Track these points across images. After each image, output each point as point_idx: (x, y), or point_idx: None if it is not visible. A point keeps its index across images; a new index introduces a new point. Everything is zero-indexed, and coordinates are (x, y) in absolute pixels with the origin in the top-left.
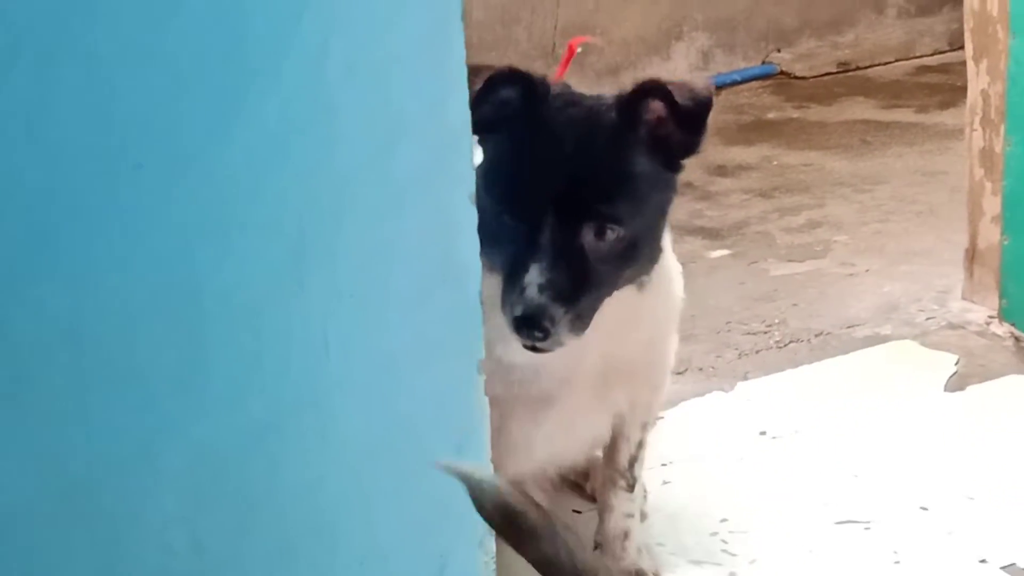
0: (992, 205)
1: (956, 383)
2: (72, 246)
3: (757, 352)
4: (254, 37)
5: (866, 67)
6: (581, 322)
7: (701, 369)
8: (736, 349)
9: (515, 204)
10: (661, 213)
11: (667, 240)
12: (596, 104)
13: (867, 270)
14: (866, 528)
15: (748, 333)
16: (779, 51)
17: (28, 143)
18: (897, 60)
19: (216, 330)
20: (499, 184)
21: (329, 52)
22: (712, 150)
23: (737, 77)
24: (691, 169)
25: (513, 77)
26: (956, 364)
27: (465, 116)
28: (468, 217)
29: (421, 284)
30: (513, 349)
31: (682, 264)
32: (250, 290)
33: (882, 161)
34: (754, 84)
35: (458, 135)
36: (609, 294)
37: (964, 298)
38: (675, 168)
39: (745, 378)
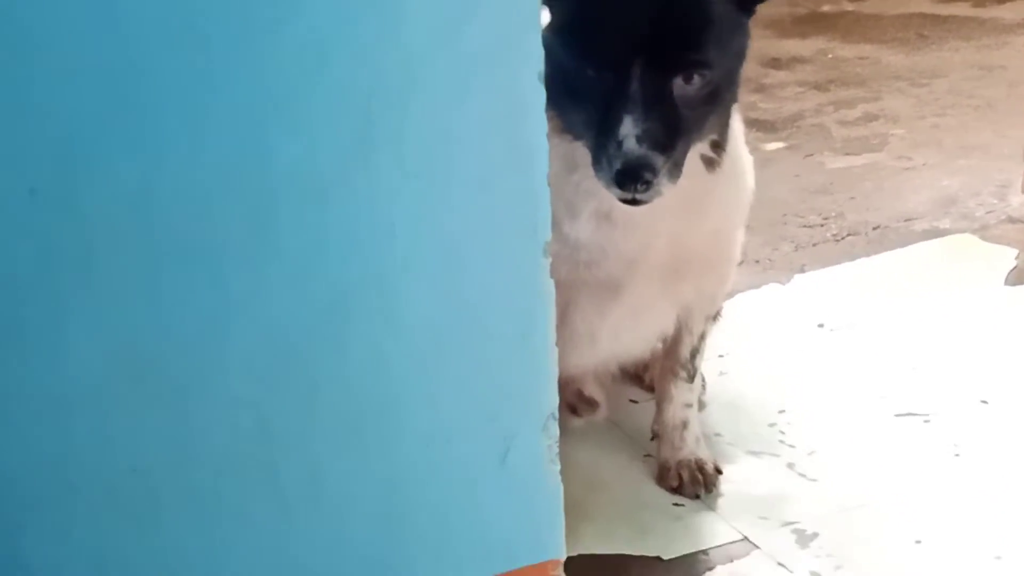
0: None
1: (1016, 276)
2: (142, 117)
3: (814, 245)
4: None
5: None
6: (677, 169)
7: (758, 261)
8: (792, 242)
9: (599, 55)
10: (740, 58)
11: (739, 128)
12: None
13: (924, 164)
14: (925, 421)
15: (804, 226)
16: None
17: (103, 10)
18: None
19: (284, 207)
20: (578, 36)
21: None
22: (766, 42)
23: None
24: (745, 62)
25: None
26: (1016, 258)
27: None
28: (536, 98)
29: (487, 166)
30: (581, 225)
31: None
32: (317, 168)
33: (939, 55)
34: None
35: (528, 11)
36: (697, 140)
37: (1023, 192)
38: (750, 11)
39: (802, 271)
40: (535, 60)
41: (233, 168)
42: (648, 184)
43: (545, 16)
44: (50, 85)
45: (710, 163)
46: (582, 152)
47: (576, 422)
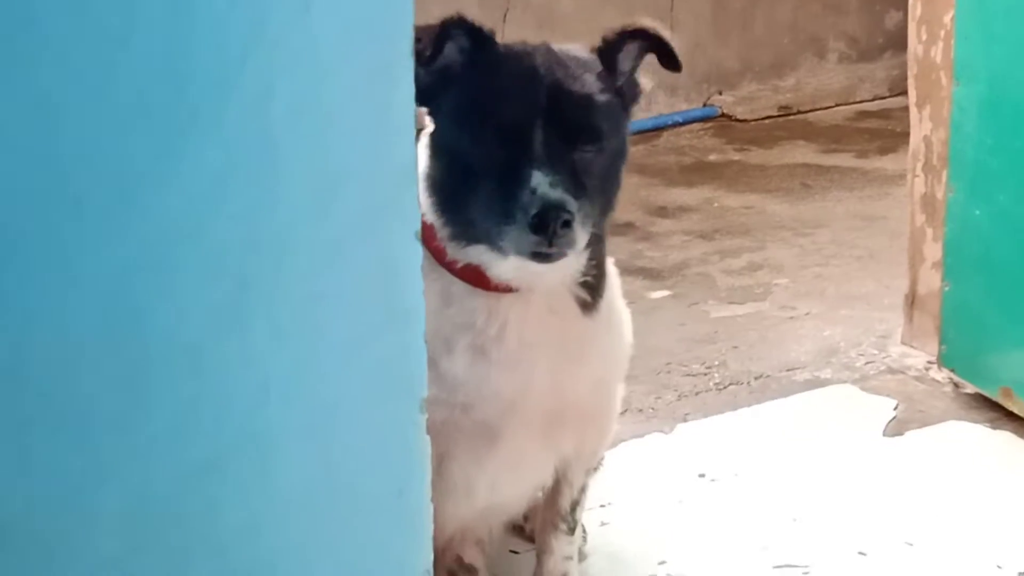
0: (933, 251)
1: (895, 428)
2: (12, 283)
3: (697, 394)
4: (198, 77)
5: (807, 111)
6: (588, 223)
7: (641, 410)
8: (676, 391)
9: (501, 124)
10: (624, 150)
11: (615, 279)
12: (561, 50)
13: (807, 313)
14: (804, 572)
15: (688, 375)
16: (720, 94)
17: None
18: (837, 105)
19: (156, 371)
20: (476, 114)
21: (274, 94)
22: (653, 191)
23: (679, 119)
24: (632, 209)
25: (463, 24)
26: (895, 409)
27: (412, 156)
28: (413, 257)
29: (363, 326)
30: (457, 360)
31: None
32: (191, 331)
33: (822, 205)
34: (695, 126)
35: (404, 174)
36: (591, 224)
37: (904, 343)
38: (628, 114)
39: (685, 420)
40: (412, 221)
41: (104, 331)
42: (568, 225)
43: (425, 133)
44: None
45: (585, 306)
46: (459, 286)
47: None
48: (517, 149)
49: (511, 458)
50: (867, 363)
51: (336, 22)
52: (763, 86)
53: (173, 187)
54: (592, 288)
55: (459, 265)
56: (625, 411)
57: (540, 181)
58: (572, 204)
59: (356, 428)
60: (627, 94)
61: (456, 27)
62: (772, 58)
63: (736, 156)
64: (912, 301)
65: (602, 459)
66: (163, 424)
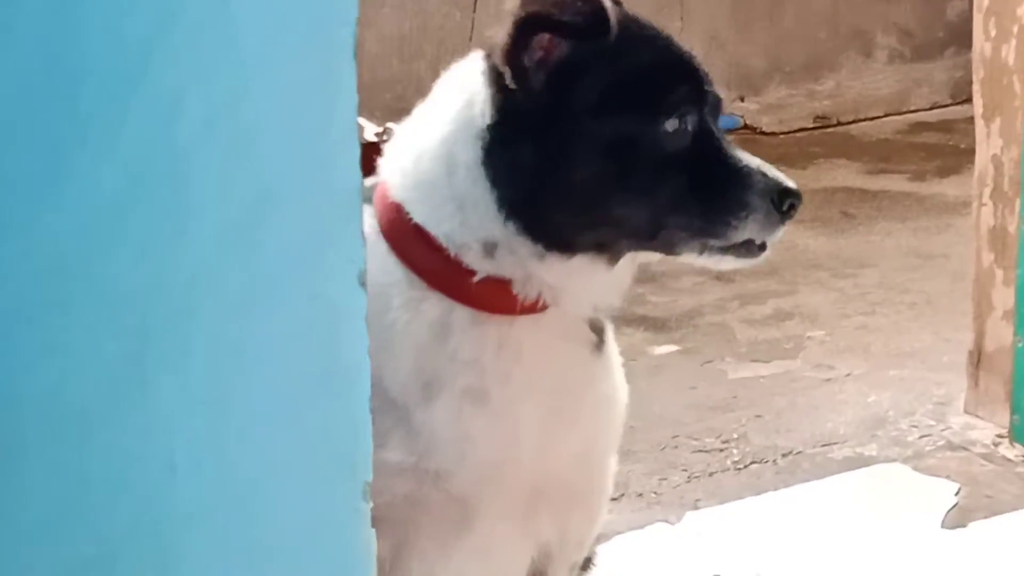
0: (1004, 298)
1: (957, 518)
2: None
3: (710, 475)
4: (90, 81)
5: (849, 122)
6: None
7: (641, 495)
8: (685, 470)
9: (687, 102)
10: None
11: (609, 332)
12: None
13: (848, 374)
14: None
15: (699, 450)
16: (743, 100)
17: None
18: (887, 115)
19: (34, 445)
20: (641, 92)
21: (184, 105)
22: None
23: None
24: None
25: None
26: (956, 494)
27: (356, 179)
28: (356, 304)
29: (293, 390)
30: (441, 408)
31: (621, 361)
32: (78, 396)
33: (867, 239)
34: None
35: (347, 202)
36: None
37: (967, 412)
38: None
39: (695, 507)
40: (354, 256)
41: None
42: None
43: (464, 145)
44: None
45: (596, 346)
46: (459, 314)
47: None
48: (698, 128)
49: (484, 547)
50: (922, 437)
51: (263, 14)
52: (795, 91)
53: (58, 216)
54: (598, 329)
55: (477, 279)
56: (621, 495)
57: (758, 163)
58: None
59: (282, 518)
60: None
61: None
62: (806, 56)
63: None
64: (978, 360)
65: (592, 555)
66: (42, 509)
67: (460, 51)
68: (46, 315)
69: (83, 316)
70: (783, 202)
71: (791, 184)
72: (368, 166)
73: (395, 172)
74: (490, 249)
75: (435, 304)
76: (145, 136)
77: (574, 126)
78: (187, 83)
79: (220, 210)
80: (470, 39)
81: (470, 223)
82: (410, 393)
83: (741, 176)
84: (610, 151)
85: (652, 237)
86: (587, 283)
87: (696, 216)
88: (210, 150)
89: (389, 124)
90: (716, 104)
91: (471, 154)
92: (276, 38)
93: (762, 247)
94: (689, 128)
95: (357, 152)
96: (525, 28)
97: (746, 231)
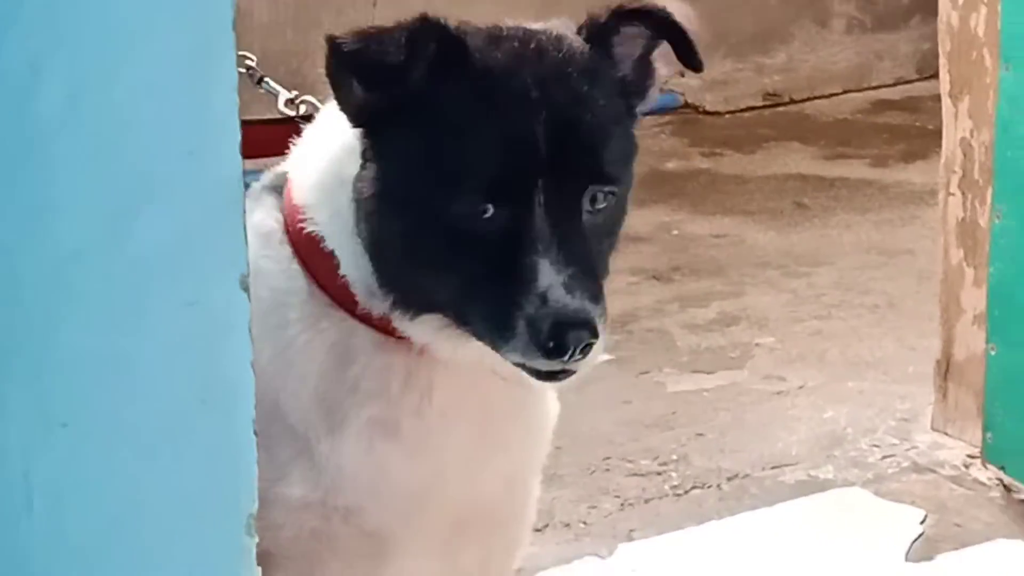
0: (974, 299)
1: (923, 549)
2: None
3: (647, 501)
4: None
5: (803, 100)
6: (604, 323)
7: (568, 524)
8: (617, 496)
9: (493, 186)
10: (631, 179)
11: None
12: (541, 35)
13: (801, 387)
14: None
15: (634, 474)
16: (683, 75)
17: None
18: (846, 92)
19: None
20: (452, 170)
21: (42, 77)
22: None
23: None
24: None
25: (430, 29)
26: (922, 522)
27: (236, 168)
28: (238, 311)
29: (170, 410)
30: (348, 443)
31: None
32: None
33: (823, 233)
34: (648, 120)
35: (225, 196)
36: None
37: (935, 429)
38: (635, 117)
39: (629, 538)
40: (237, 261)
41: None
42: (590, 347)
43: (350, 163)
44: None
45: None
46: (363, 338)
47: None
48: (510, 221)
49: None
50: (884, 457)
51: None
52: (742, 65)
53: None
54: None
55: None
56: (546, 525)
57: (551, 280)
58: (597, 314)
59: (155, 559)
60: (633, 89)
61: (429, 32)
62: (754, 26)
63: (704, 163)
64: (946, 370)
65: None
66: None
67: (363, 20)
68: None
69: None
70: (553, 336)
71: (575, 316)
72: (282, 145)
73: (301, 168)
74: (372, 289)
75: (336, 323)
76: None
77: (381, 184)
78: (46, 51)
79: (83, 203)
80: (374, 5)
81: (353, 255)
82: (311, 423)
83: (519, 292)
84: (391, 218)
85: (463, 323)
86: (448, 343)
87: (478, 321)
88: (73, 132)
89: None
90: (570, 185)
91: (347, 172)
92: (148, 3)
93: (560, 373)
94: (489, 220)
95: (238, 136)
96: (338, 70)
97: (514, 355)
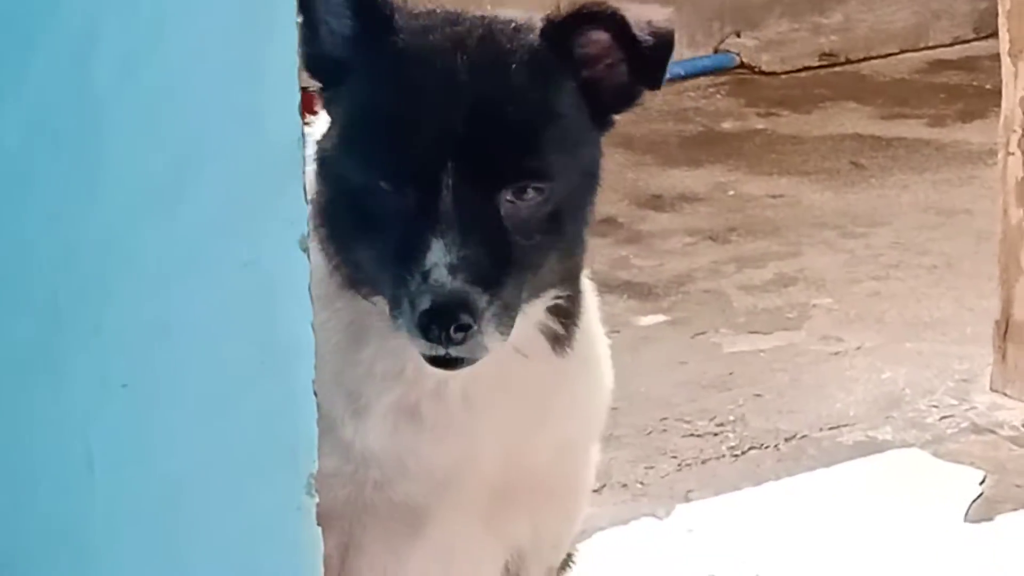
0: None
1: (982, 510)
2: None
3: (703, 462)
4: None
5: (860, 60)
6: (508, 317)
7: (625, 485)
8: (674, 457)
9: (396, 163)
10: (591, 179)
11: (592, 300)
12: (499, 25)
13: (859, 347)
14: None
15: (691, 435)
16: (738, 35)
17: None
18: (903, 51)
19: None
20: (368, 141)
21: (98, 41)
22: (643, 172)
23: (680, 71)
24: (613, 199)
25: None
26: (982, 483)
27: (296, 130)
28: (297, 272)
29: (228, 371)
30: (371, 427)
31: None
32: None
33: (880, 193)
34: (703, 80)
35: (286, 157)
36: (534, 288)
37: (994, 389)
38: (605, 124)
39: (687, 499)
40: (295, 219)
41: None
42: (464, 330)
43: (320, 125)
44: None
45: (558, 341)
46: (377, 318)
47: None
48: (418, 200)
49: (443, 550)
50: (943, 418)
51: None
52: (798, 25)
53: None
54: (566, 313)
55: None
56: (603, 486)
57: (438, 259)
58: (478, 299)
59: (215, 515)
60: (606, 87)
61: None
62: None
63: (760, 123)
64: (1005, 330)
65: (572, 554)
66: None
67: None
68: None
69: None
70: (426, 315)
71: (448, 296)
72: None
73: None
74: (347, 288)
75: (349, 303)
76: (53, 80)
77: (327, 151)
78: (101, 16)
79: (139, 166)
80: None
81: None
82: (335, 403)
83: (409, 270)
84: (330, 185)
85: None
86: None
87: (388, 299)
88: (128, 95)
89: None
90: (486, 173)
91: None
92: None
93: (446, 360)
94: (399, 196)
95: (296, 97)
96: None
97: (403, 334)
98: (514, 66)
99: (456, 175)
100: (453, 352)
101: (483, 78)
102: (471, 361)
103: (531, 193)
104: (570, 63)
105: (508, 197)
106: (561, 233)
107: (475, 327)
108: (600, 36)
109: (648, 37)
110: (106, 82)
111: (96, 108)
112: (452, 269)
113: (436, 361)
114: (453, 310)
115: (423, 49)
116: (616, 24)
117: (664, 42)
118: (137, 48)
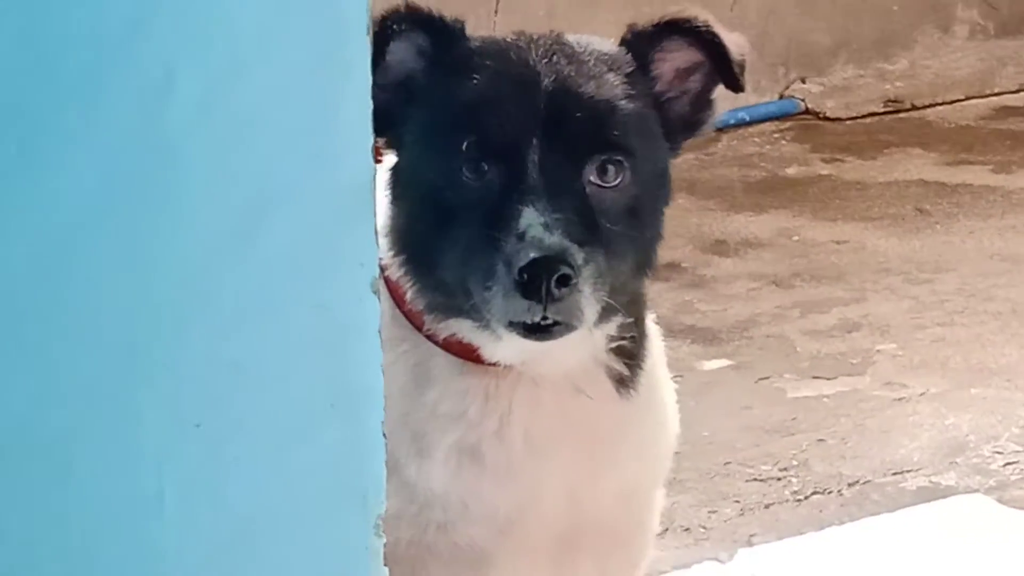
0: None
1: None
2: None
3: (767, 507)
4: (67, 57)
5: (925, 106)
6: (602, 284)
7: (688, 529)
8: (737, 502)
9: (480, 147)
10: (663, 182)
11: (658, 343)
12: (575, 40)
13: (923, 394)
14: None
15: (754, 479)
16: (804, 82)
17: None
18: (968, 98)
19: (4, 478)
20: (444, 138)
21: (175, 83)
22: (708, 217)
23: (744, 116)
24: (678, 244)
25: (414, 17)
26: None
27: (369, 172)
28: (368, 315)
29: (299, 412)
30: (435, 468)
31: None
32: (53, 417)
33: (945, 240)
34: (768, 126)
35: (358, 198)
36: (607, 300)
37: None
38: (676, 144)
39: (749, 543)
40: (367, 261)
41: None
42: (566, 283)
43: (385, 171)
44: None
45: (622, 383)
46: (443, 360)
47: None
48: (504, 178)
49: None
50: (1007, 464)
51: None
52: (863, 71)
53: (26, 213)
54: (630, 354)
55: (444, 335)
56: (666, 530)
57: (532, 220)
58: (576, 253)
59: (284, 555)
60: (675, 110)
61: (404, 22)
62: (876, 32)
63: (825, 169)
64: None
65: None
66: (13, 555)
67: (483, 28)
68: (18, 328)
69: (60, 330)
70: (527, 268)
71: (549, 248)
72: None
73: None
74: (428, 314)
75: (415, 345)
76: (129, 120)
77: (403, 169)
78: (180, 57)
79: (213, 207)
80: (495, 11)
81: (399, 268)
82: (398, 443)
83: (503, 237)
84: (413, 211)
85: (468, 298)
86: (537, 353)
87: (473, 282)
88: (203, 138)
89: None
90: (569, 148)
91: (383, 207)
92: (281, 9)
93: (541, 331)
94: (484, 179)
95: (370, 140)
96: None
97: (497, 306)
98: (589, 61)
99: (541, 150)
100: (551, 314)
101: (560, 65)
102: (567, 329)
103: (612, 171)
104: (647, 73)
105: (592, 178)
106: (640, 228)
107: (576, 280)
108: (681, 53)
109: (739, 56)
110: (181, 124)
111: (171, 150)
112: (547, 226)
113: (531, 330)
114: (553, 261)
115: (498, 46)
116: (698, 31)
117: (742, 62)
118: (212, 91)
